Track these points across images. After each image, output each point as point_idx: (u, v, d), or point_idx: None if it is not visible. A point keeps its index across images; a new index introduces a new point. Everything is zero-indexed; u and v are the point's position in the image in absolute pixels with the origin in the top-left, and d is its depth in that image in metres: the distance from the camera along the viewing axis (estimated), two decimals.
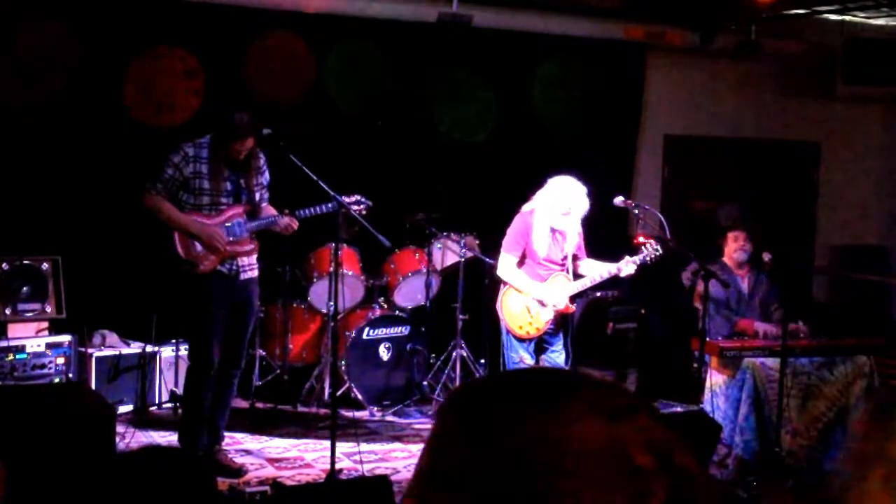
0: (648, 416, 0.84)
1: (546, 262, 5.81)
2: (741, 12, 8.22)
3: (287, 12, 7.27)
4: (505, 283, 5.88)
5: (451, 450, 0.85)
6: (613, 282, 6.33)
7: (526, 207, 5.87)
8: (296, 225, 5.40)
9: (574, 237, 5.84)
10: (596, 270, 5.85)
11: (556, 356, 5.96)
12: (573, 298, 5.93)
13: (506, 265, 5.83)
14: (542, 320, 5.80)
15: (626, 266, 5.76)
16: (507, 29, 7.92)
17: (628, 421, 0.83)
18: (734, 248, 6.44)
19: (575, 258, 5.91)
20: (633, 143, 8.97)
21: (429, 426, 6.54)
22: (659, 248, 5.76)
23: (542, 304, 5.77)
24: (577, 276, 5.89)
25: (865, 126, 9.68)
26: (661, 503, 0.79)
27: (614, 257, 5.95)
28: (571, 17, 8.13)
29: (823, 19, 8.73)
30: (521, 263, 5.84)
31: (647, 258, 5.77)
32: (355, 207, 5.37)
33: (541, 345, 5.92)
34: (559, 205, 5.68)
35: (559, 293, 5.79)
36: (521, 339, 5.84)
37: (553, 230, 5.77)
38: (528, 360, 5.78)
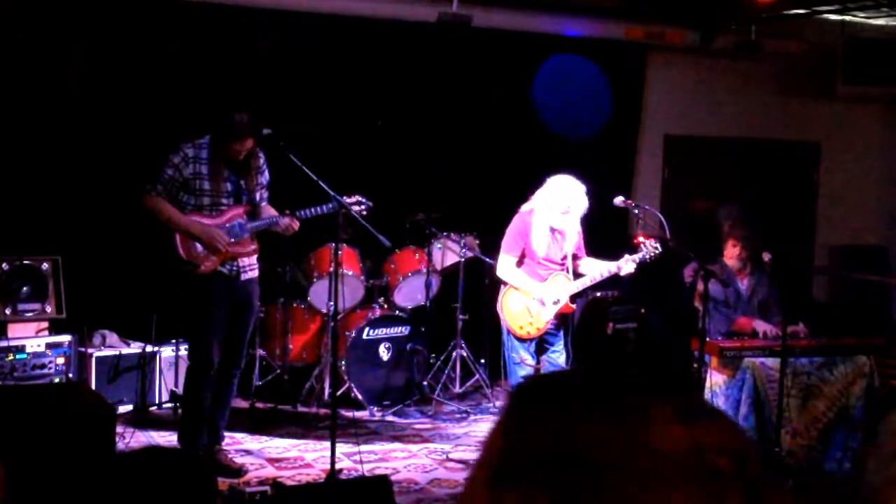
0: (723, 421, 0.85)
1: (546, 261, 5.81)
2: (741, 12, 8.22)
3: (286, 12, 7.27)
4: (505, 284, 5.88)
5: (526, 447, 0.84)
6: (613, 281, 6.33)
7: (525, 207, 5.87)
8: (296, 226, 5.39)
9: (573, 236, 5.84)
10: (596, 269, 5.86)
11: (557, 356, 5.96)
12: (573, 298, 5.94)
13: (505, 265, 5.84)
14: (542, 320, 5.80)
15: (626, 265, 5.77)
16: (507, 29, 7.92)
17: (706, 423, 0.83)
18: (729, 255, 6.46)
19: (575, 257, 5.91)
20: (633, 143, 8.97)
21: (429, 426, 6.58)
22: (658, 246, 5.77)
23: (542, 303, 5.78)
24: (577, 275, 5.89)
25: (865, 126, 9.69)
26: None
27: (614, 257, 5.95)
28: (571, 17, 8.14)
29: (823, 19, 8.73)
30: (520, 263, 5.84)
31: (647, 256, 5.77)
32: (356, 208, 5.36)
33: (542, 345, 5.92)
34: (558, 204, 5.68)
35: (559, 292, 5.79)
36: (521, 340, 5.83)
37: (552, 229, 5.77)
38: (529, 361, 5.78)
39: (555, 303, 5.79)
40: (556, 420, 0.84)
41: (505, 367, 6.29)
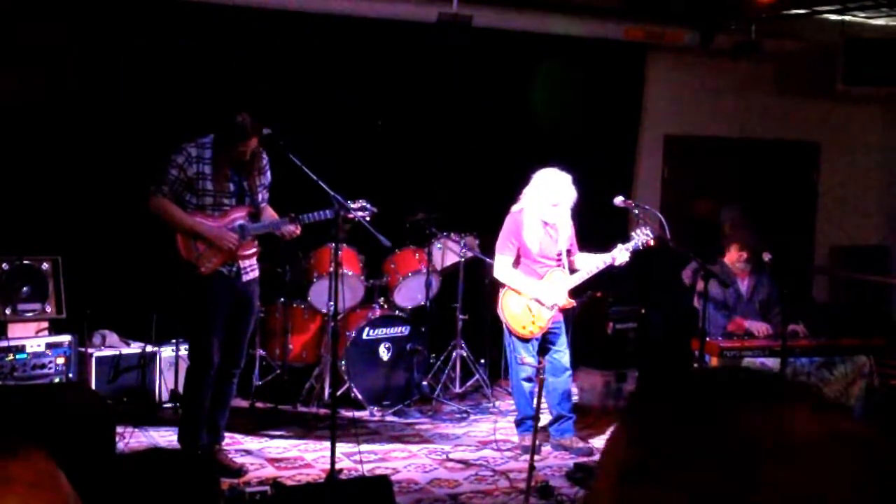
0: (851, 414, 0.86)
1: (541, 258, 5.82)
2: (741, 12, 8.22)
3: (287, 12, 7.27)
4: (503, 286, 5.88)
5: (661, 443, 0.84)
6: (612, 276, 6.32)
7: (515, 207, 5.88)
8: (298, 231, 5.37)
9: (566, 230, 5.85)
10: (591, 263, 5.86)
11: (561, 356, 5.96)
12: (573, 293, 5.94)
13: (501, 266, 5.84)
14: (544, 318, 5.80)
15: (620, 254, 5.77)
16: (507, 29, 7.92)
17: (842, 417, 0.84)
18: (734, 259, 6.45)
19: (568, 253, 5.91)
20: (633, 143, 8.97)
21: (429, 426, 6.57)
22: (649, 232, 5.76)
23: (541, 302, 5.78)
24: (572, 271, 5.89)
25: (865, 126, 9.69)
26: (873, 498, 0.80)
27: None
28: (571, 17, 8.14)
29: (823, 19, 8.73)
30: (517, 263, 5.84)
31: (639, 244, 5.77)
32: (360, 213, 5.34)
33: (544, 344, 5.92)
34: (547, 197, 5.70)
35: (558, 289, 5.79)
36: (524, 340, 5.83)
37: (545, 224, 5.78)
38: (531, 361, 5.78)
39: (555, 300, 5.79)
40: (702, 412, 0.84)
41: (506, 368, 6.30)
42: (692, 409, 0.85)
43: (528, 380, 5.84)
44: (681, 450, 0.82)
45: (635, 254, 5.81)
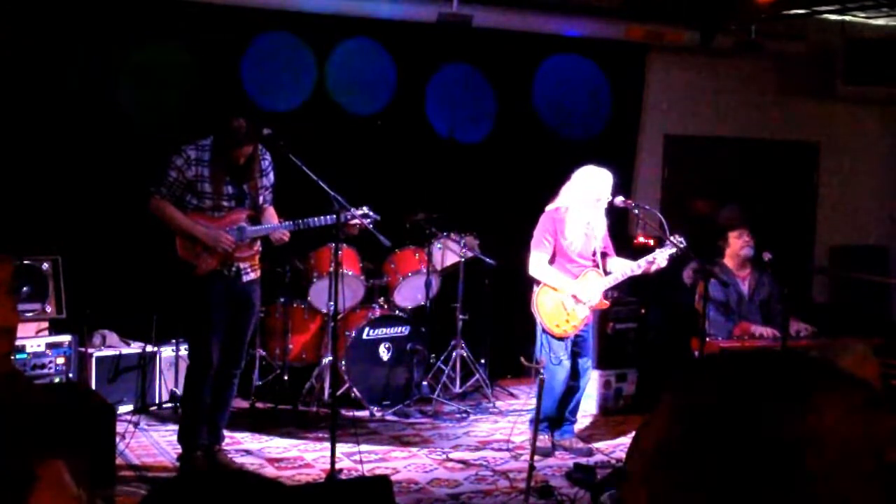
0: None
1: (579, 257, 5.80)
2: (741, 12, 8.22)
3: (286, 12, 7.27)
4: (538, 283, 5.85)
5: (688, 431, 0.82)
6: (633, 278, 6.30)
7: (552, 205, 5.86)
8: (287, 238, 5.39)
9: (601, 229, 5.85)
10: (627, 265, 5.83)
11: (584, 361, 5.96)
12: (606, 295, 5.93)
13: (537, 263, 5.80)
14: (578, 317, 5.78)
15: (661, 254, 5.74)
16: (507, 29, 7.92)
17: (884, 418, 0.81)
18: (740, 245, 6.41)
19: (604, 255, 5.90)
20: (633, 143, 8.97)
21: (429, 426, 6.57)
22: (682, 239, 5.76)
23: (577, 299, 5.75)
24: (606, 273, 5.88)
25: (865, 126, 9.68)
26: None
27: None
28: (571, 17, 8.13)
29: (823, 19, 8.73)
30: (551, 261, 5.82)
31: (675, 252, 5.76)
32: (361, 221, 5.33)
33: (572, 348, 5.89)
34: (591, 192, 5.70)
35: (593, 289, 5.77)
36: (559, 339, 5.80)
37: (586, 223, 5.78)
38: (566, 362, 5.76)
39: (590, 299, 5.77)
40: (730, 408, 0.82)
41: (543, 370, 6.27)
42: (734, 402, 0.82)
43: (561, 381, 5.81)
44: (713, 442, 0.80)
45: (672, 260, 5.81)
